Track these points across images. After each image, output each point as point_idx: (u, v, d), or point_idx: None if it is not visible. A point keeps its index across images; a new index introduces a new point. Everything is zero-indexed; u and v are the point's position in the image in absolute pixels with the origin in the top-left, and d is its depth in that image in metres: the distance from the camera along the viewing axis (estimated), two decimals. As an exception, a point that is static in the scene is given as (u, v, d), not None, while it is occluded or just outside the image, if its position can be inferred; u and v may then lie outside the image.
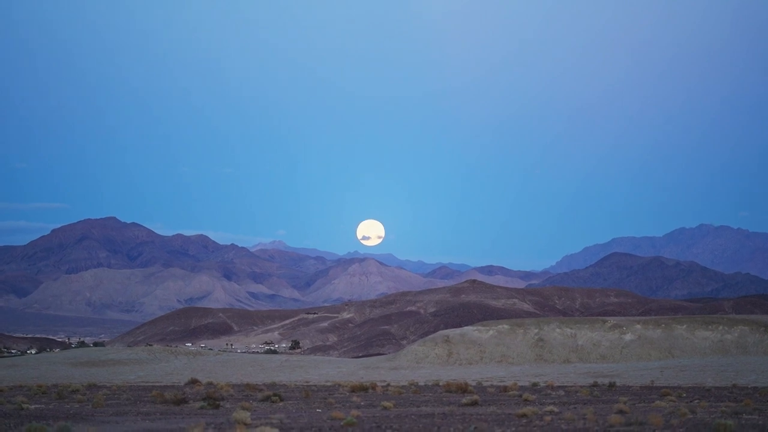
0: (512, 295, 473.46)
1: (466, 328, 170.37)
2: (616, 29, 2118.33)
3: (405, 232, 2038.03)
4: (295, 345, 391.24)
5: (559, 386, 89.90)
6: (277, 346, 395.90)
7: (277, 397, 61.43)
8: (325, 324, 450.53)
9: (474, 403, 54.68)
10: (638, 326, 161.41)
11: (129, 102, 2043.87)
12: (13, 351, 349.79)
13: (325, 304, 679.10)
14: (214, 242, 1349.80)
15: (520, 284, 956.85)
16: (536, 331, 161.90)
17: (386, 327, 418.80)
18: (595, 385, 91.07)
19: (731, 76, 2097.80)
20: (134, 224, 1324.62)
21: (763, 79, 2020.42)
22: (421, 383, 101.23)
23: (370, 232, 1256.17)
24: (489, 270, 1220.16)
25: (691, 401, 59.37)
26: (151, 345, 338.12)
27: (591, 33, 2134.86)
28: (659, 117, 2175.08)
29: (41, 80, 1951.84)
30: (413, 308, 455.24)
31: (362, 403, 57.86)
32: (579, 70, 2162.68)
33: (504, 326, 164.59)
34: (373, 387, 79.31)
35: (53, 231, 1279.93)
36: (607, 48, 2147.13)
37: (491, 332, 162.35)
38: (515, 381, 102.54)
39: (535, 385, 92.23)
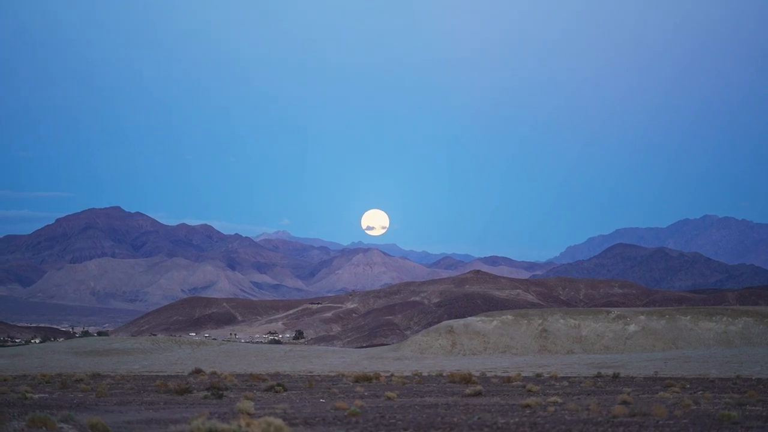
0: (516, 286, 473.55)
1: (469, 318, 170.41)
2: (617, 10, 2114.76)
3: (409, 223, 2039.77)
4: (299, 335, 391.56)
5: (562, 377, 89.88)
6: (280, 336, 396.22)
7: (280, 387, 61.45)
8: (328, 314, 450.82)
9: (478, 394, 54.66)
10: (642, 317, 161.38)
11: (133, 91, 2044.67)
12: (17, 340, 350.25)
13: (329, 294, 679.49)
14: (218, 232, 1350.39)
15: (524, 275, 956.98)
16: (540, 321, 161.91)
17: (390, 317, 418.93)
18: (598, 375, 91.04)
19: (735, 67, 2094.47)
20: (138, 214, 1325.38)
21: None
22: (425, 373, 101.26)
23: (375, 222, 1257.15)
24: (493, 260, 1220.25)
25: (694, 392, 59.34)
26: (154, 335, 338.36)
27: (592, 14, 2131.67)
28: (663, 108, 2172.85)
29: (45, 69, 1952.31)
30: (417, 298, 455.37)
31: (366, 394, 57.86)
32: (583, 63, 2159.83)
33: (508, 317, 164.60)
34: (377, 377, 79.32)
35: (57, 220, 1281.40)
36: (608, 33, 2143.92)
37: (495, 323, 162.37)
38: (519, 371, 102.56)
39: (538, 375, 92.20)
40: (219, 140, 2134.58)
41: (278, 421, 26.81)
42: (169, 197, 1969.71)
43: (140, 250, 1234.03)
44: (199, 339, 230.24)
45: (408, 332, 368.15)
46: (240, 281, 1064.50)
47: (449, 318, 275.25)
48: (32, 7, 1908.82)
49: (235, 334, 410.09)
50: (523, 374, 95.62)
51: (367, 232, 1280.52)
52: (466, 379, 72.95)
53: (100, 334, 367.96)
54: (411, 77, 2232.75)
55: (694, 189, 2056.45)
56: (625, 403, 45.14)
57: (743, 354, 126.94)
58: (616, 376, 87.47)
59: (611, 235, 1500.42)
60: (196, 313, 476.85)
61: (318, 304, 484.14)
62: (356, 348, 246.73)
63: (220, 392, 53.96)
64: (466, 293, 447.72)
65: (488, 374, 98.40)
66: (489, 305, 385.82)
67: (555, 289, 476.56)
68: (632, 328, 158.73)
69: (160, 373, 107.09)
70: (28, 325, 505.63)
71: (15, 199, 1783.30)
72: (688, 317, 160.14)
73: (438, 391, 61.86)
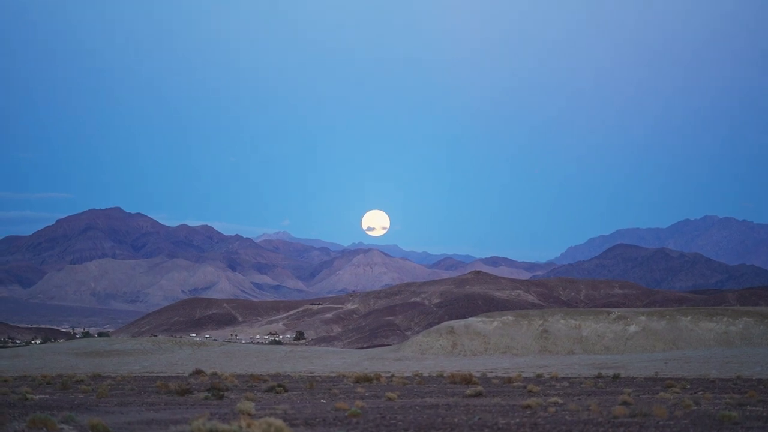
0: (517, 287, 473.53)
1: (470, 319, 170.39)
2: (618, 11, 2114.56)
3: (410, 223, 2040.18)
4: (300, 336, 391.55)
5: (563, 377, 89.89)
6: (281, 336, 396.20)
7: (281, 388, 61.44)
8: (329, 315, 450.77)
9: (478, 394, 54.67)
10: (642, 318, 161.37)
11: (133, 92, 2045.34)
12: (17, 341, 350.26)
13: (330, 295, 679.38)
14: (218, 233, 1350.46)
15: (525, 275, 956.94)
16: (540, 322, 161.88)
17: (390, 318, 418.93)
18: (599, 376, 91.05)
19: (736, 68, 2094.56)
20: (139, 214, 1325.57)
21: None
22: (426, 374, 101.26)
23: (375, 223, 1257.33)
24: (494, 261, 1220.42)
25: (695, 393, 59.35)
26: (155, 335, 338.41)
27: (592, 15, 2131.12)
28: (664, 109, 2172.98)
29: (46, 71, 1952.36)
30: (418, 299, 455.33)
31: (366, 394, 57.87)
32: (584, 64, 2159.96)
33: (508, 317, 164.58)
34: (378, 378, 79.31)
35: (58, 221, 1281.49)
36: (608, 35, 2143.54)
37: (495, 323, 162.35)
38: (519, 372, 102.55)
39: (539, 376, 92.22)
40: (220, 141, 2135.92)
41: (279, 422, 26.82)
42: (170, 198, 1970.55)
43: (141, 251, 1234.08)
44: (200, 340, 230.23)
45: (408, 333, 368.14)
46: (240, 282, 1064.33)
47: (450, 319, 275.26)
48: (32, 7, 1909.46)
49: (236, 335, 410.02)
50: (524, 375, 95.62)
51: (367, 232, 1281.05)
52: (467, 380, 72.93)
53: (100, 335, 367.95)
54: (411, 77, 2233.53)
55: (694, 189, 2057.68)
56: (625, 403, 45.16)
57: (744, 354, 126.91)
58: (616, 377, 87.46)
59: (612, 235, 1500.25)
60: (196, 314, 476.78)
61: (318, 304, 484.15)
62: (357, 349, 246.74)
63: (221, 393, 53.97)
64: (467, 294, 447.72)
65: (489, 375, 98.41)
66: (489, 306, 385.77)
67: (555, 289, 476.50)
68: (633, 328, 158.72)
69: (161, 374, 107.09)
70: (29, 326, 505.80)
71: (15, 200, 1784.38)
72: (689, 318, 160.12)
73: (439, 391, 61.86)
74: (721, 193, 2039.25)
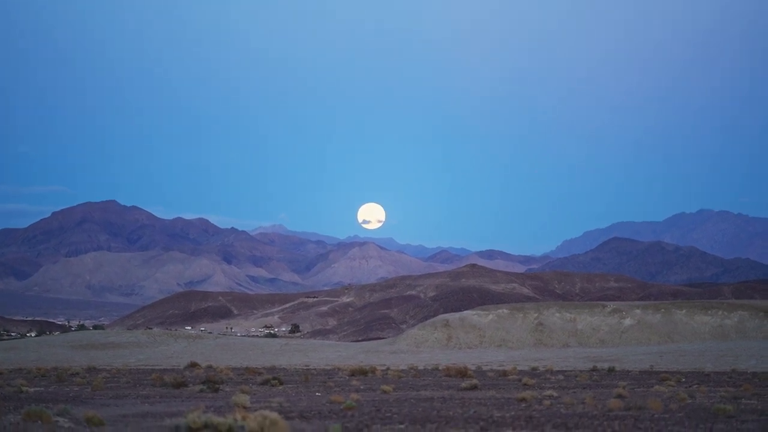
0: (512, 280, 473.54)
1: (465, 312, 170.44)
2: (616, 7, 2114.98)
3: (405, 216, 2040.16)
4: (295, 329, 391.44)
5: (558, 371, 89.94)
6: (276, 329, 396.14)
7: (276, 381, 61.44)
8: (324, 308, 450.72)
9: (473, 388, 54.68)
10: (638, 311, 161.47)
11: (131, 86, 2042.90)
12: (12, 334, 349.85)
13: (325, 288, 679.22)
14: (214, 226, 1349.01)
15: (520, 269, 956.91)
16: (536, 315, 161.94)
17: (386, 311, 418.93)
18: (594, 369, 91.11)
19: (732, 63, 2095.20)
20: (134, 207, 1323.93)
21: (764, 65, 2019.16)
22: (421, 367, 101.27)
23: (371, 216, 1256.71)
24: (489, 254, 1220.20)
25: (690, 386, 59.38)
26: (150, 328, 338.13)
27: (589, 9, 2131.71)
28: (660, 103, 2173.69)
29: (43, 66, 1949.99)
30: (413, 292, 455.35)
31: (362, 387, 57.88)
32: (581, 59, 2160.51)
33: (503, 311, 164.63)
34: (373, 371, 79.33)
35: (53, 214, 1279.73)
36: (605, 30, 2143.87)
37: (491, 317, 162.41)
38: (514, 365, 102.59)
39: (534, 369, 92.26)
40: (217, 135, 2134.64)
41: (274, 415, 26.80)
42: (166, 191, 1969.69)
43: (136, 244, 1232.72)
44: (195, 333, 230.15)
45: (404, 326, 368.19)
46: (236, 275, 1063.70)
47: (445, 312, 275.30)
48: (33, 1, 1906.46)
49: (231, 328, 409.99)
50: (519, 368, 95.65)
51: (363, 225, 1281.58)
52: (462, 373, 72.94)
53: (96, 327, 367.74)
54: (408, 71, 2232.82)
55: (690, 183, 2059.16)
56: (620, 396, 45.18)
57: (738, 347, 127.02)
58: (611, 370, 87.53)
59: (607, 229, 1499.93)
60: (191, 307, 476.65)
61: (314, 297, 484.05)
62: (352, 342, 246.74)
63: (216, 386, 53.97)
64: (462, 287, 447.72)
65: (484, 368, 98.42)
66: (485, 299, 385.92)
67: (551, 283, 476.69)
68: (628, 321, 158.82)
69: (156, 367, 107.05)
70: (24, 318, 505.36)
71: (11, 193, 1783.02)
72: (684, 311, 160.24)
73: (434, 384, 61.87)
74: (716, 186, 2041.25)
